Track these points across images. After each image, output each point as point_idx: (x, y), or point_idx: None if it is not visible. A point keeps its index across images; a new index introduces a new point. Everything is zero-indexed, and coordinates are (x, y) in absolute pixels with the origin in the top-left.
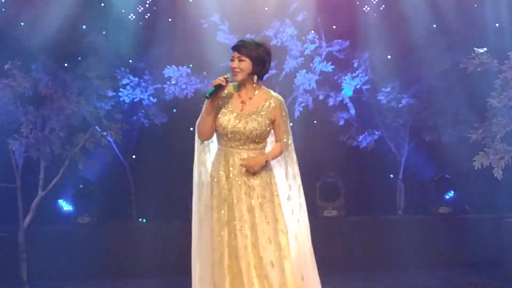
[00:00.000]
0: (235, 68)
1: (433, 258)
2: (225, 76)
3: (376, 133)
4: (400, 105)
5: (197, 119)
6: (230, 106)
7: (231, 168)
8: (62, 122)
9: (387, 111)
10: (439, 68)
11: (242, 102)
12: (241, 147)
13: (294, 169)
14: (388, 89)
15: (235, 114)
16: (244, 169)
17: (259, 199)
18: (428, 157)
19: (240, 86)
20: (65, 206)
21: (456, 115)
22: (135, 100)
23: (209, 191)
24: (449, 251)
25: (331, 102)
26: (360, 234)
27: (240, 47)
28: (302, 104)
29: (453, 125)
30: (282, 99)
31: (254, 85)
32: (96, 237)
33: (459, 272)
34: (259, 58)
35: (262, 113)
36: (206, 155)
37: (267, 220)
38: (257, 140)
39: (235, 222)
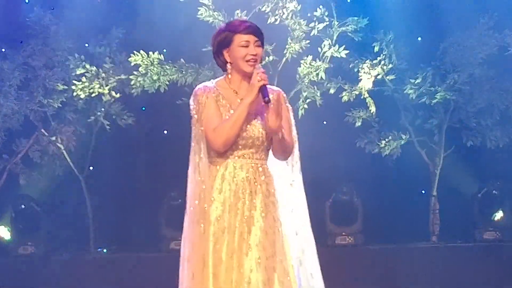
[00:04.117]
0: (254, 55)
1: None
2: (261, 69)
3: (403, 137)
4: (434, 101)
5: (172, 118)
6: (231, 107)
7: (246, 183)
8: None
9: (417, 108)
10: (482, 53)
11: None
12: (251, 155)
13: (299, 177)
14: (419, 80)
15: None
16: (263, 184)
17: (280, 219)
18: (469, 168)
19: (237, 79)
20: (2, 232)
21: (505, 114)
22: (93, 95)
23: (209, 218)
24: (496, 286)
25: (345, 97)
26: (383, 267)
27: (257, 30)
28: (308, 100)
29: (502, 126)
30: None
31: None
32: (42, 272)
33: None
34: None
35: (269, 110)
36: (206, 173)
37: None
38: (268, 145)
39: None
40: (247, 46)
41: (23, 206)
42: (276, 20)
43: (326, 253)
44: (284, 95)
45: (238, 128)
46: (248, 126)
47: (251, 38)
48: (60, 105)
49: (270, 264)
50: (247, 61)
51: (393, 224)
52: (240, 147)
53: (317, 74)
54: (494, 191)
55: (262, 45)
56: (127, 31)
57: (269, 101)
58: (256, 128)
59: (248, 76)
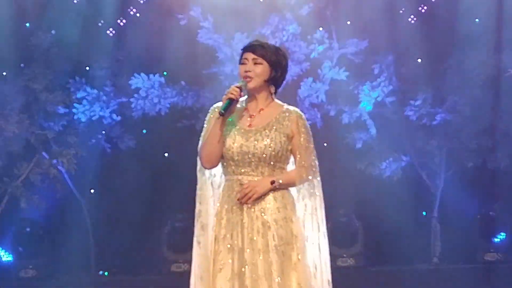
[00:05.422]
0: (248, 72)
1: None
2: (238, 84)
3: (404, 158)
4: (434, 122)
5: (172, 141)
6: (235, 122)
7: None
8: None
9: (417, 130)
10: (483, 74)
11: (251, 116)
12: (252, 172)
13: (321, 206)
14: (419, 101)
15: (242, 131)
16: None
17: (276, 241)
18: (470, 189)
19: (249, 96)
20: (3, 255)
21: (506, 135)
22: (94, 118)
23: (209, 236)
24: None
25: (345, 119)
26: None
27: (256, 47)
28: (309, 122)
29: (503, 148)
30: (301, 112)
31: (269, 96)
32: None
33: None
34: (278, 63)
35: (274, 127)
36: (207, 191)
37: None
38: (272, 163)
39: (244, 276)
40: (245, 64)
41: (24, 229)
42: (276, 42)
43: None
44: (302, 115)
45: (214, 144)
46: (246, 143)
47: (248, 55)
48: (61, 128)
49: (266, 285)
50: (244, 77)
51: (394, 246)
52: (240, 164)
53: (317, 96)
54: (494, 213)
55: (267, 61)
56: (128, 54)
57: (222, 114)
58: (251, 145)
59: (253, 93)
